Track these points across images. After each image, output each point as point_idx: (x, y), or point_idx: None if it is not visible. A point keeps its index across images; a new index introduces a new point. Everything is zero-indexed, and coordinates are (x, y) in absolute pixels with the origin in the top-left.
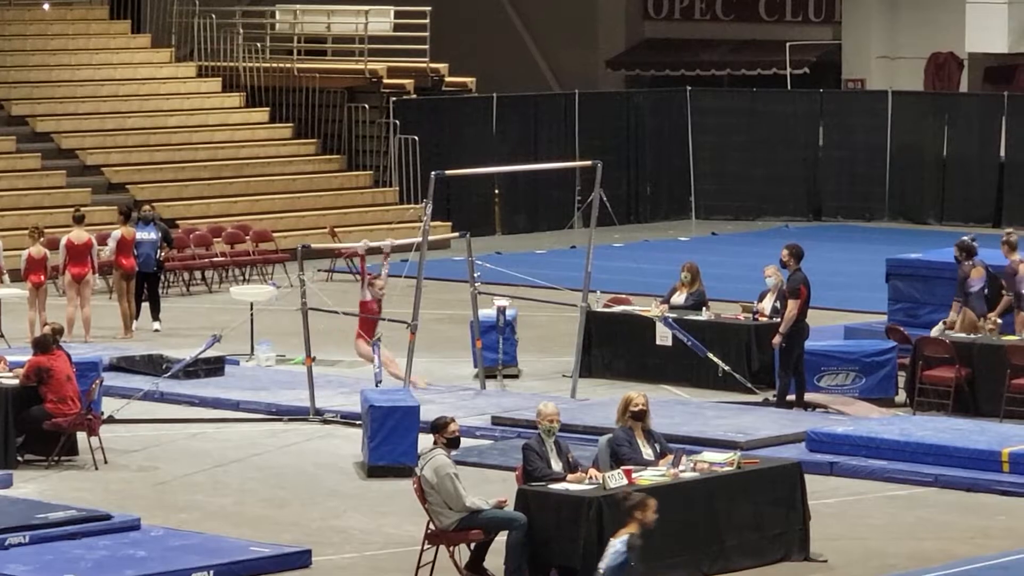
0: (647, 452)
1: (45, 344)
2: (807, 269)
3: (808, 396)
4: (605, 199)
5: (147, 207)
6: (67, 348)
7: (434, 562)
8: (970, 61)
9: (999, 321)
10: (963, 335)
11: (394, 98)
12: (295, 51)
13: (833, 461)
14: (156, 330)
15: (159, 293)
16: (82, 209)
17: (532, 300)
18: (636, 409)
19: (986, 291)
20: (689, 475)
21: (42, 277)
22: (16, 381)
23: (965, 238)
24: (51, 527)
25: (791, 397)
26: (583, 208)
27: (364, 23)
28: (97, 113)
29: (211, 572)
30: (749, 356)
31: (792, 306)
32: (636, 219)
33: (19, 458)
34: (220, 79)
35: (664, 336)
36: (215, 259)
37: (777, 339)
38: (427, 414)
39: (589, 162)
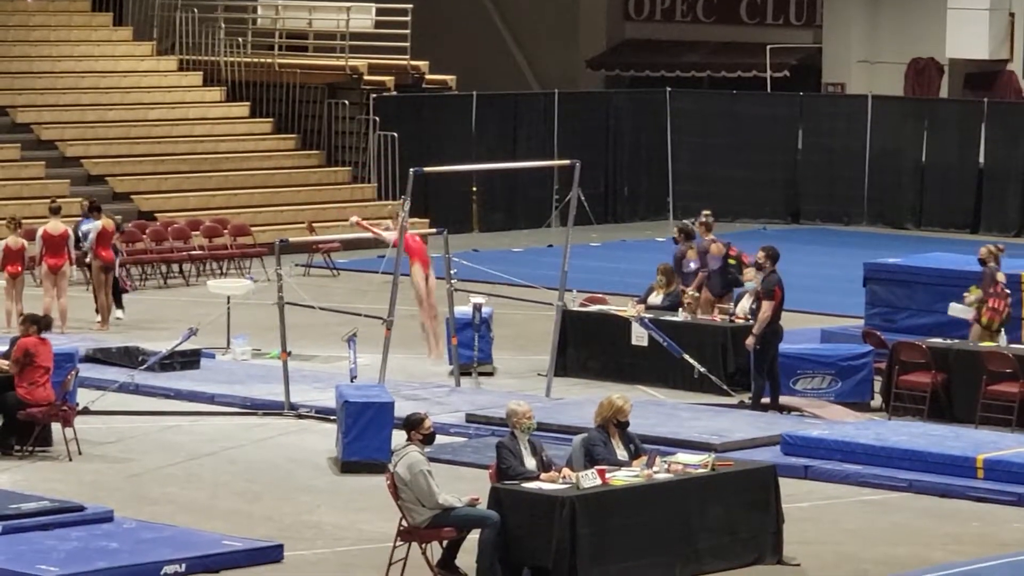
0: (622, 453)
1: (44, 324)
2: (785, 272)
3: (783, 399)
4: (583, 198)
5: (93, 199)
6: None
7: (406, 559)
8: (950, 67)
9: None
10: (939, 340)
11: (374, 95)
12: (276, 46)
13: (808, 465)
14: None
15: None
16: (59, 200)
17: (508, 298)
18: (624, 420)
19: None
20: (663, 476)
21: (19, 268)
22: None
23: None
24: (23, 518)
25: (766, 400)
26: (561, 207)
27: (346, 19)
28: (78, 105)
29: (183, 565)
30: (725, 358)
31: (766, 307)
32: (614, 219)
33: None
34: (201, 73)
35: (640, 336)
36: (193, 252)
37: (750, 341)
38: (401, 410)
39: (568, 161)
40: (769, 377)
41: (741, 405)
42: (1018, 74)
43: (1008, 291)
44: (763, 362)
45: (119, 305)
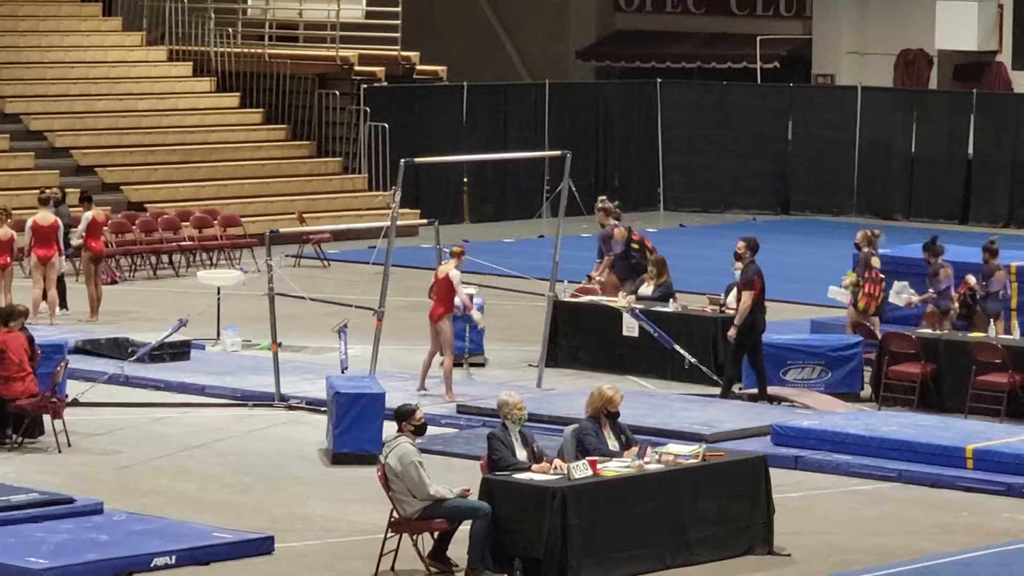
0: (613, 443)
1: (5, 316)
2: (775, 263)
3: (774, 389)
4: (574, 189)
5: (53, 190)
6: (32, 330)
7: (397, 550)
8: (939, 58)
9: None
10: (929, 331)
11: (365, 85)
12: (266, 37)
13: (798, 455)
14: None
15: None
16: (48, 191)
17: (499, 289)
18: (615, 410)
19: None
20: (654, 467)
21: (8, 259)
22: None
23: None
24: (13, 510)
25: (752, 391)
26: (551, 198)
27: (336, 10)
28: (67, 95)
29: (173, 557)
30: (715, 348)
31: (746, 298)
32: None
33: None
34: (191, 63)
35: (631, 327)
36: (183, 243)
37: (732, 331)
38: (392, 401)
39: (558, 152)
40: (754, 368)
41: (731, 395)
42: (1007, 65)
43: (882, 276)
44: (740, 352)
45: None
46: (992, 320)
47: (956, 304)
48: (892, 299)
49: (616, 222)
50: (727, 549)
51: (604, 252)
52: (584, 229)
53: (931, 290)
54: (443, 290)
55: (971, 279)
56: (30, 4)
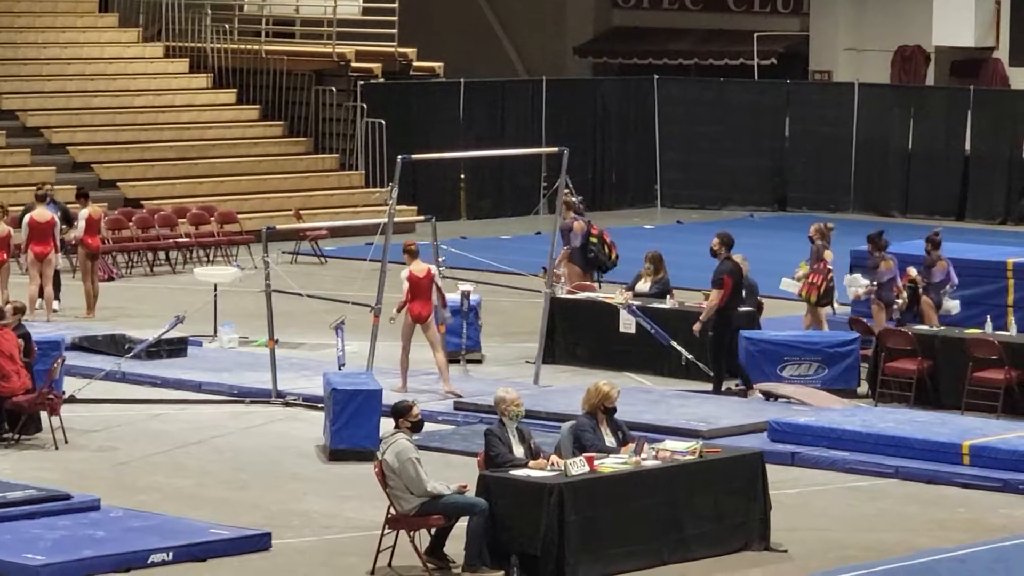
0: (610, 440)
1: None
2: (771, 259)
3: (769, 386)
4: (571, 186)
5: (47, 186)
6: (28, 327)
7: (394, 547)
8: (937, 54)
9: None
10: (926, 327)
11: (361, 82)
12: (263, 33)
13: (795, 451)
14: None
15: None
16: (45, 187)
17: (497, 285)
18: (612, 406)
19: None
20: (651, 463)
21: (5, 255)
22: None
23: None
24: (10, 506)
25: (736, 385)
26: (549, 194)
27: (333, 6)
28: (63, 92)
29: (170, 554)
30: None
31: (715, 296)
32: (601, 206)
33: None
34: (187, 60)
35: (628, 323)
36: (179, 239)
37: (697, 326)
38: (389, 398)
39: (555, 148)
40: (731, 364)
41: (728, 392)
42: (1004, 61)
43: (831, 268)
44: (719, 349)
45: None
46: (934, 311)
47: (904, 296)
48: (848, 291)
49: (576, 216)
50: (724, 545)
51: (564, 244)
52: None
53: (873, 282)
54: (427, 287)
55: (912, 271)
56: (26, 0)
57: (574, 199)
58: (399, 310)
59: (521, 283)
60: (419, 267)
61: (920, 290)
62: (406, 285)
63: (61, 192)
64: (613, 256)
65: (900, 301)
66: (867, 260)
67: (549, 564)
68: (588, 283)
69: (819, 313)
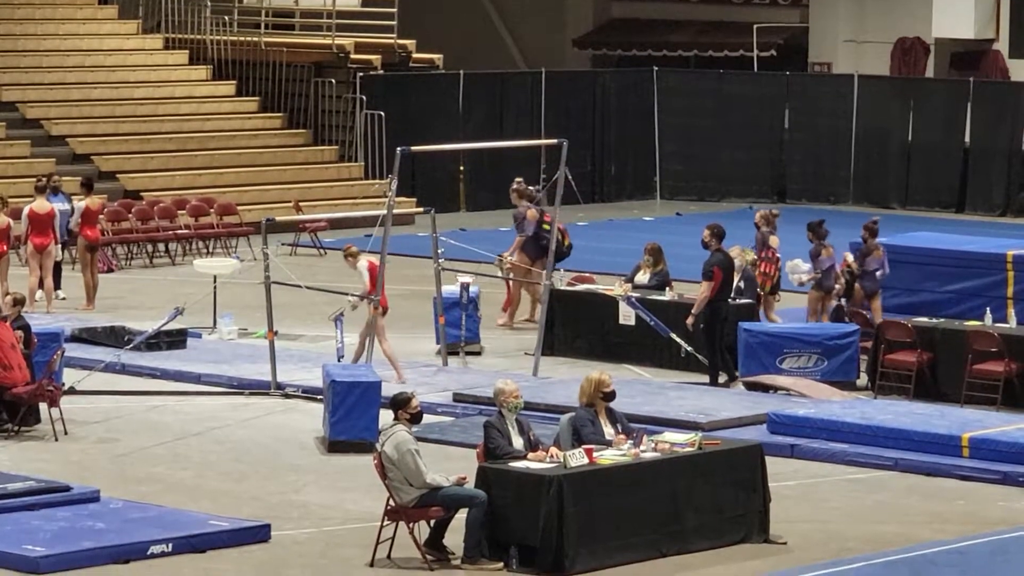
0: (609, 432)
1: None
2: None
3: (768, 378)
4: (570, 178)
5: (55, 178)
6: (28, 318)
7: (393, 538)
8: (936, 46)
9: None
10: (925, 320)
11: (361, 74)
12: (262, 25)
13: (794, 443)
14: (63, 298)
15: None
16: (45, 179)
17: (496, 277)
18: (608, 390)
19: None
20: (650, 455)
21: (4, 247)
22: None
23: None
24: (10, 498)
25: (748, 378)
26: (548, 186)
27: None
28: (63, 84)
29: (170, 545)
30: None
31: (705, 288)
32: (601, 198)
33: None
34: (187, 52)
35: (627, 316)
36: (179, 231)
37: (690, 320)
38: (388, 390)
39: (555, 140)
40: (722, 356)
41: (727, 384)
42: (1004, 54)
43: (779, 256)
44: (713, 342)
45: (58, 286)
46: (869, 298)
47: (841, 282)
48: (790, 277)
49: (529, 204)
50: (723, 537)
51: (517, 232)
52: (580, 218)
53: (817, 270)
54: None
55: (849, 257)
56: None
57: (527, 187)
58: (363, 299)
59: (520, 275)
60: (373, 258)
61: (855, 277)
62: (367, 276)
63: (62, 184)
64: (566, 242)
65: (839, 286)
66: (810, 248)
67: (548, 556)
68: (536, 271)
69: (771, 302)
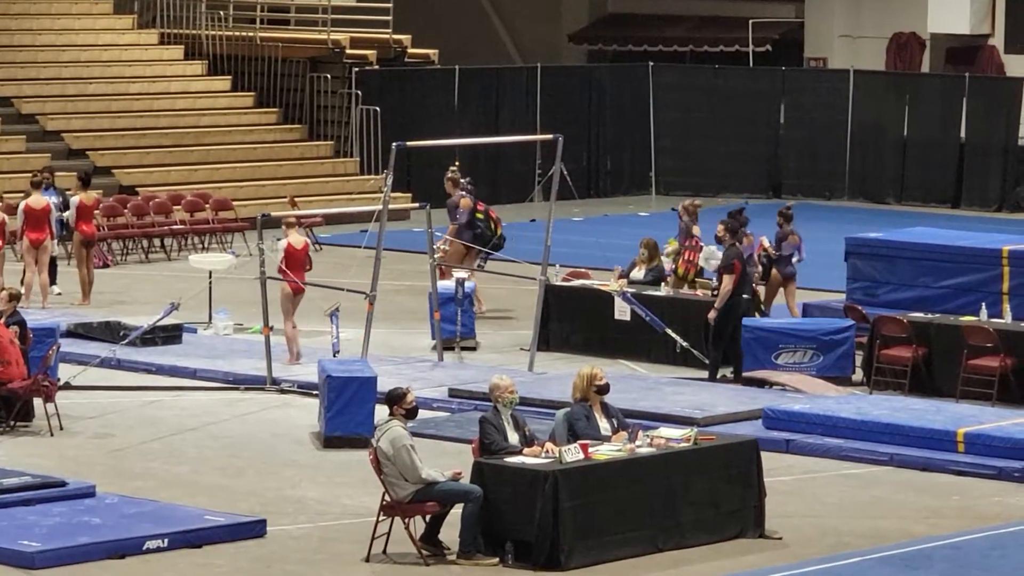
0: (604, 427)
1: None
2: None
3: (763, 373)
4: (566, 173)
5: (46, 173)
6: (24, 314)
7: (389, 534)
8: (932, 42)
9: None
10: (921, 315)
11: (356, 69)
12: (258, 20)
13: (789, 439)
14: (59, 294)
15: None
16: (40, 174)
17: (491, 273)
18: (601, 383)
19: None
20: (646, 451)
21: (0, 242)
22: None
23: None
24: (5, 493)
25: (731, 373)
26: (543, 182)
27: None
28: (58, 79)
29: (166, 540)
30: (707, 332)
31: (727, 281)
32: (596, 193)
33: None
34: (182, 47)
35: (623, 311)
36: (174, 227)
37: (712, 314)
38: (384, 385)
39: (550, 136)
40: (731, 350)
41: (723, 379)
42: (999, 49)
43: (702, 245)
44: (722, 335)
45: (54, 281)
46: (785, 283)
47: (759, 268)
48: (702, 263)
49: (463, 192)
50: (719, 532)
51: (450, 221)
52: (576, 213)
53: (782, 253)
54: (302, 260)
55: (765, 240)
56: None
57: (462, 179)
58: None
59: (516, 270)
60: (297, 239)
61: (772, 262)
62: (282, 255)
63: (57, 179)
64: (499, 232)
65: (757, 272)
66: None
67: (543, 551)
68: (470, 258)
69: (694, 288)
